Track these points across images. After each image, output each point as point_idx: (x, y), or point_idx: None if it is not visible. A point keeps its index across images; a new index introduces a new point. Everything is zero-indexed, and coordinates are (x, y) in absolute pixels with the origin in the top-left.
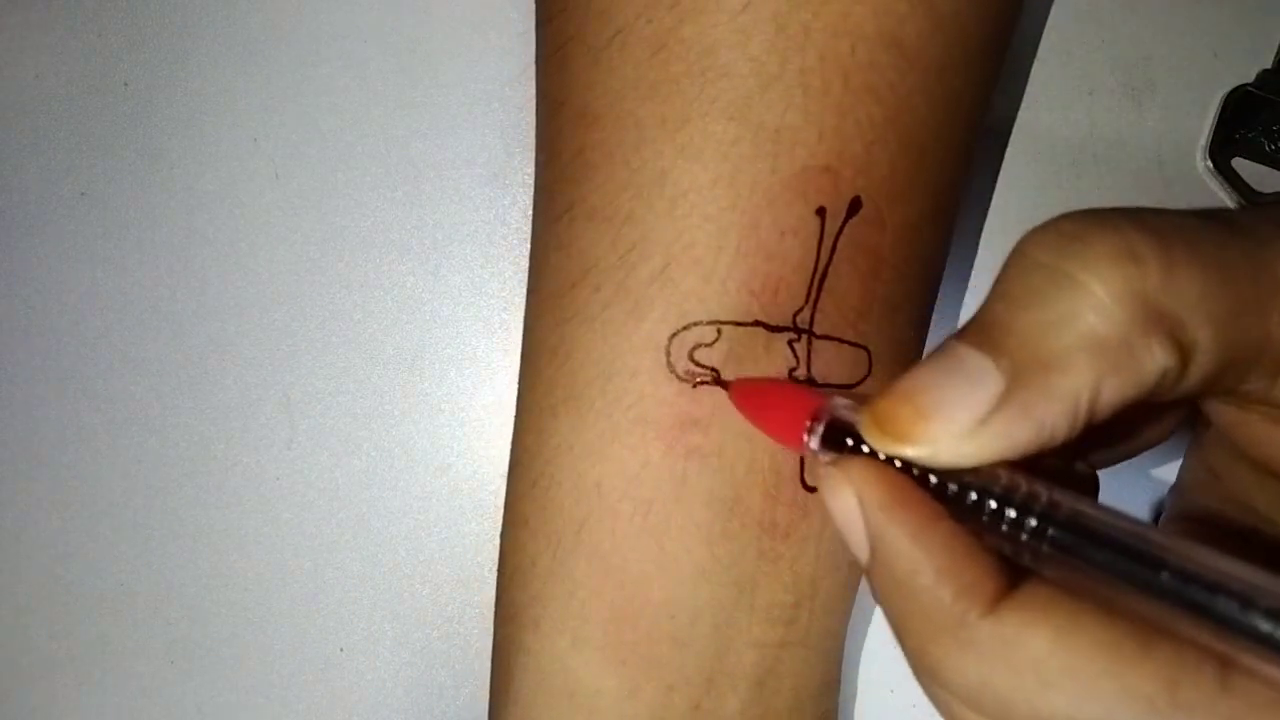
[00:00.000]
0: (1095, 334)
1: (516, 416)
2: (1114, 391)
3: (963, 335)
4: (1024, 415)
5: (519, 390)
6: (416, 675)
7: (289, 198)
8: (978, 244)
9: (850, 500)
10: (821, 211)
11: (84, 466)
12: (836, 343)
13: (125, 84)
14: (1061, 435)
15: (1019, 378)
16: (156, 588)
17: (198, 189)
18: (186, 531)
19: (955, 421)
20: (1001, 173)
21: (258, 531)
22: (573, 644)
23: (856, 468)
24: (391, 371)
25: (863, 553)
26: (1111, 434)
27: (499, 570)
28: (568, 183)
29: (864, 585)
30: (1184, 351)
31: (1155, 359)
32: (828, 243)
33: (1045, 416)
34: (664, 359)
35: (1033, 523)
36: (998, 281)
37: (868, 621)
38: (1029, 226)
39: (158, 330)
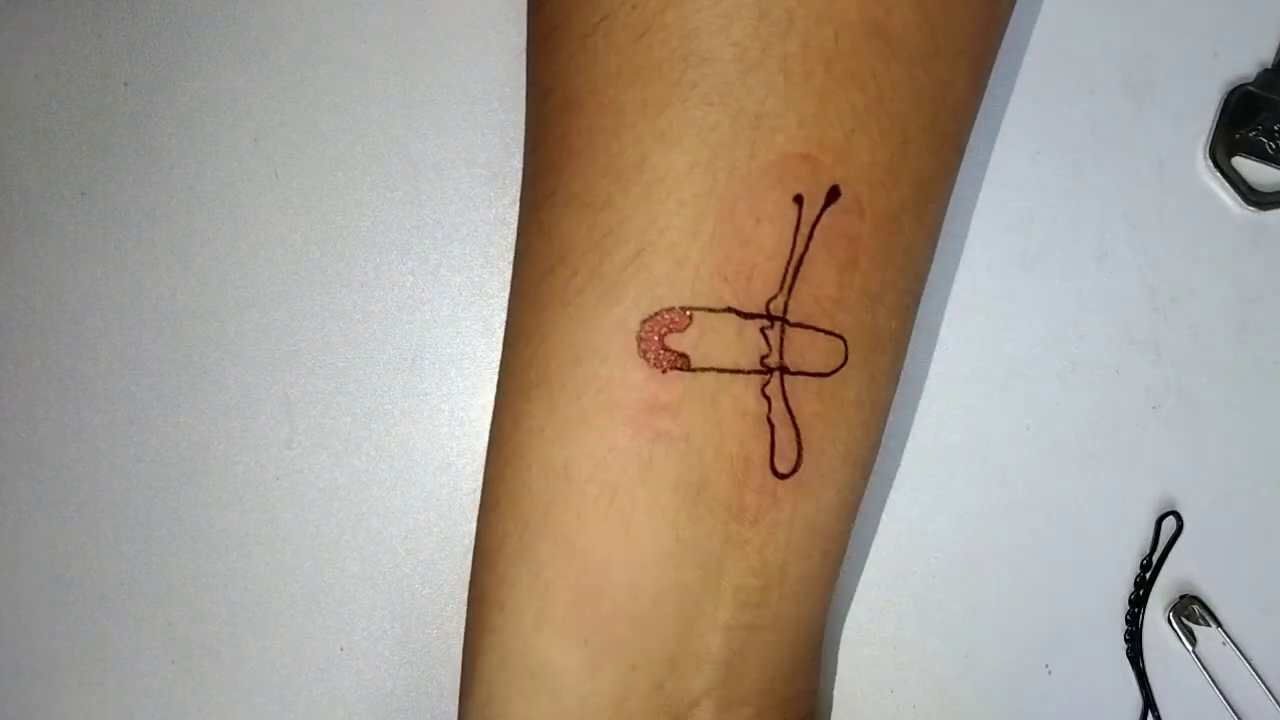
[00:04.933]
0: None
1: (495, 400)
2: None
3: None
4: None
5: (499, 374)
6: (416, 675)
7: (289, 198)
8: (965, 237)
9: None
10: (799, 199)
11: (84, 466)
12: (811, 331)
13: (125, 84)
14: None
15: None
16: (157, 588)
17: (198, 189)
18: (186, 531)
19: None
20: (1001, 172)
21: (258, 531)
22: (535, 624)
23: None
24: (391, 371)
25: None
26: None
27: (473, 553)
28: (550, 169)
29: (864, 583)
30: None
31: None
32: (804, 230)
33: None
34: (634, 344)
35: None
36: None
37: (869, 623)
38: (1029, 226)
39: (158, 330)
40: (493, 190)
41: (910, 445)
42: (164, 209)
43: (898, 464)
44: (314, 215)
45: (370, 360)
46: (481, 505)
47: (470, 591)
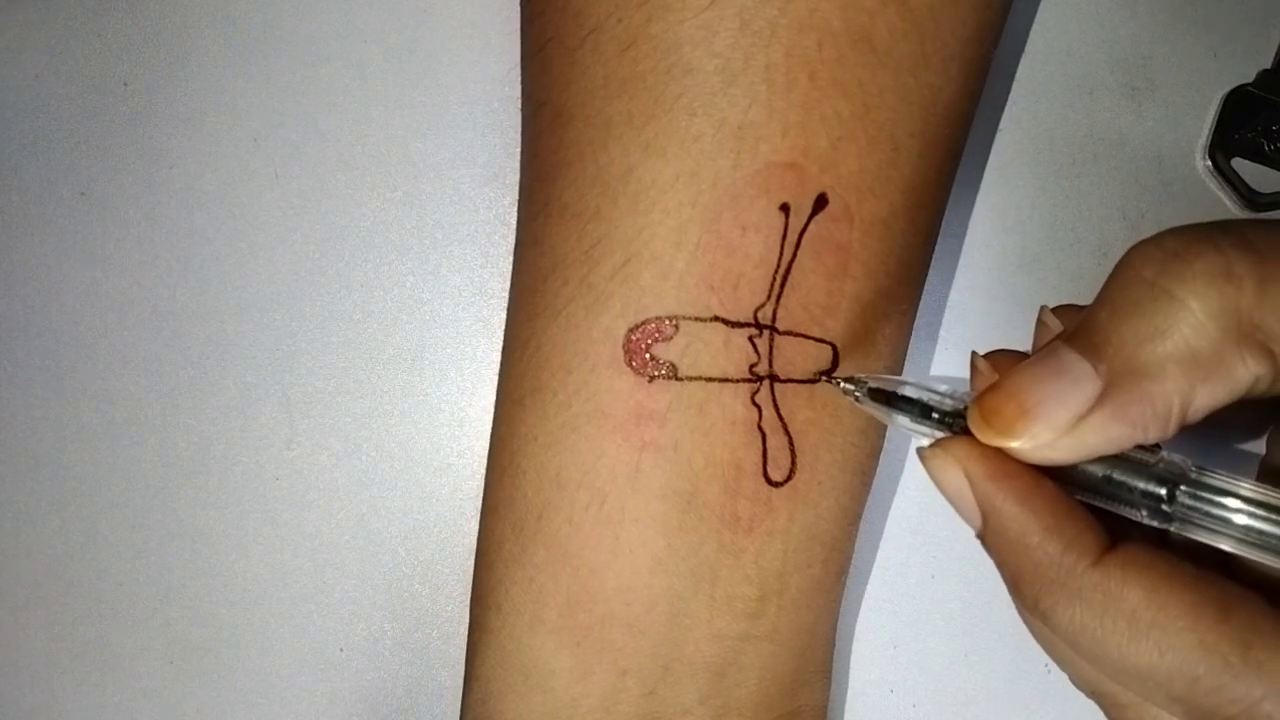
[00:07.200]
0: (1189, 346)
1: (494, 407)
2: (1206, 397)
3: (1068, 339)
4: (1119, 416)
5: (497, 382)
6: (416, 675)
7: (289, 198)
8: (963, 241)
9: (958, 476)
10: (785, 208)
11: (84, 466)
12: (801, 338)
13: (125, 84)
14: (1155, 436)
15: (1115, 382)
16: (156, 588)
17: (198, 189)
18: (186, 531)
19: (1055, 418)
20: (1000, 172)
21: (258, 531)
22: (530, 626)
23: (961, 447)
24: (391, 371)
25: (975, 521)
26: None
27: (475, 555)
28: (543, 181)
29: (855, 587)
30: (1276, 361)
31: (1248, 369)
32: (791, 239)
33: (1138, 418)
34: (621, 353)
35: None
36: (1104, 289)
37: (869, 623)
38: (1028, 227)
39: (158, 330)
40: (493, 190)
41: (911, 446)
42: (164, 209)
43: (901, 466)
44: (314, 215)
45: (370, 360)
46: (482, 510)
47: (471, 594)
